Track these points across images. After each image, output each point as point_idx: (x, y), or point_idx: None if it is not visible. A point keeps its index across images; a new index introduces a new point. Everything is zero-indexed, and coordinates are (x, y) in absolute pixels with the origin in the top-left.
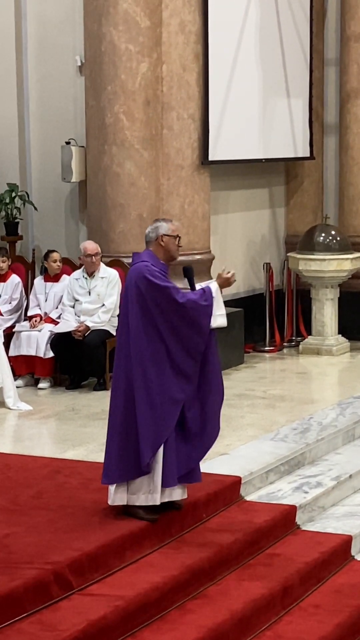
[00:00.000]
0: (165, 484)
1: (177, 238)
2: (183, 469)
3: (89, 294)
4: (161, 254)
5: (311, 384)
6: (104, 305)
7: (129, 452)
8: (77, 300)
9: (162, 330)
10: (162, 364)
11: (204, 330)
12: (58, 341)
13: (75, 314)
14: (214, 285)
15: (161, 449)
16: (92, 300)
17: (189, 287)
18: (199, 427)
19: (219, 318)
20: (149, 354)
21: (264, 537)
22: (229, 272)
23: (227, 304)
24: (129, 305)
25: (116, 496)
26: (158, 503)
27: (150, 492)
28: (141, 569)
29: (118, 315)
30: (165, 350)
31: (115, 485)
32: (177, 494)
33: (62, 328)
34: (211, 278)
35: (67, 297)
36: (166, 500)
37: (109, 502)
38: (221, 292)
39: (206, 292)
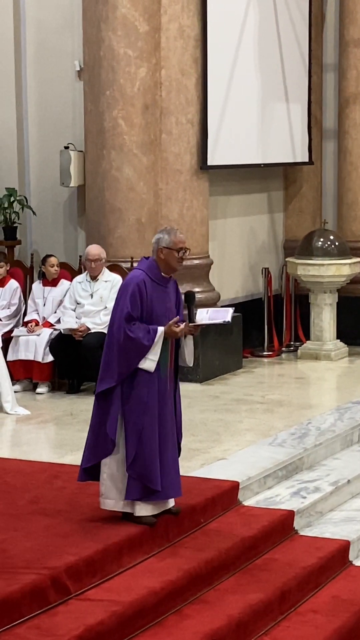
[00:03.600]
0: (127, 497)
1: (181, 251)
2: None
3: (92, 297)
4: (162, 265)
5: (309, 389)
6: (106, 307)
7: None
8: (79, 303)
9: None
10: None
11: (130, 365)
12: (57, 343)
13: (77, 316)
14: (160, 330)
15: (118, 464)
16: (95, 303)
17: (187, 312)
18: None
19: (148, 361)
20: None
21: (262, 542)
22: (178, 325)
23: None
24: (113, 308)
25: (106, 502)
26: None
27: (114, 499)
28: (138, 574)
29: None
30: None
31: (105, 490)
32: (160, 506)
33: (63, 326)
34: (209, 283)
35: (69, 300)
36: (148, 514)
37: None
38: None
39: (151, 333)
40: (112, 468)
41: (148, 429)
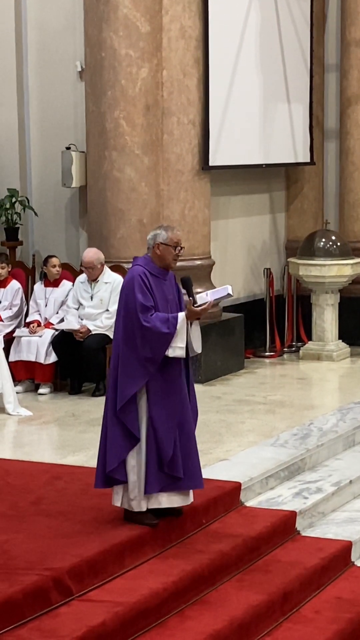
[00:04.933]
0: (148, 491)
1: (177, 248)
2: (167, 478)
3: (92, 299)
4: (157, 261)
5: (311, 389)
6: (107, 310)
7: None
8: (81, 304)
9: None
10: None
11: (156, 358)
12: (60, 341)
13: (79, 317)
14: (181, 315)
15: (142, 458)
16: (95, 305)
17: (188, 298)
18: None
19: (177, 350)
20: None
21: (264, 543)
22: (200, 305)
23: (227, 309)
24: (119, 308)
25: (115, 497)
26: (144, 509)
27: (135, 499)
28: (141, 575)
29: None
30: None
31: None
32: (177, 500)
33: (64, 326)
34: (211, 284)
35: (72, 299)
36: (164, 506)
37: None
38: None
39: (170, 320)
40: (142, 465)
41: (185, 426)
